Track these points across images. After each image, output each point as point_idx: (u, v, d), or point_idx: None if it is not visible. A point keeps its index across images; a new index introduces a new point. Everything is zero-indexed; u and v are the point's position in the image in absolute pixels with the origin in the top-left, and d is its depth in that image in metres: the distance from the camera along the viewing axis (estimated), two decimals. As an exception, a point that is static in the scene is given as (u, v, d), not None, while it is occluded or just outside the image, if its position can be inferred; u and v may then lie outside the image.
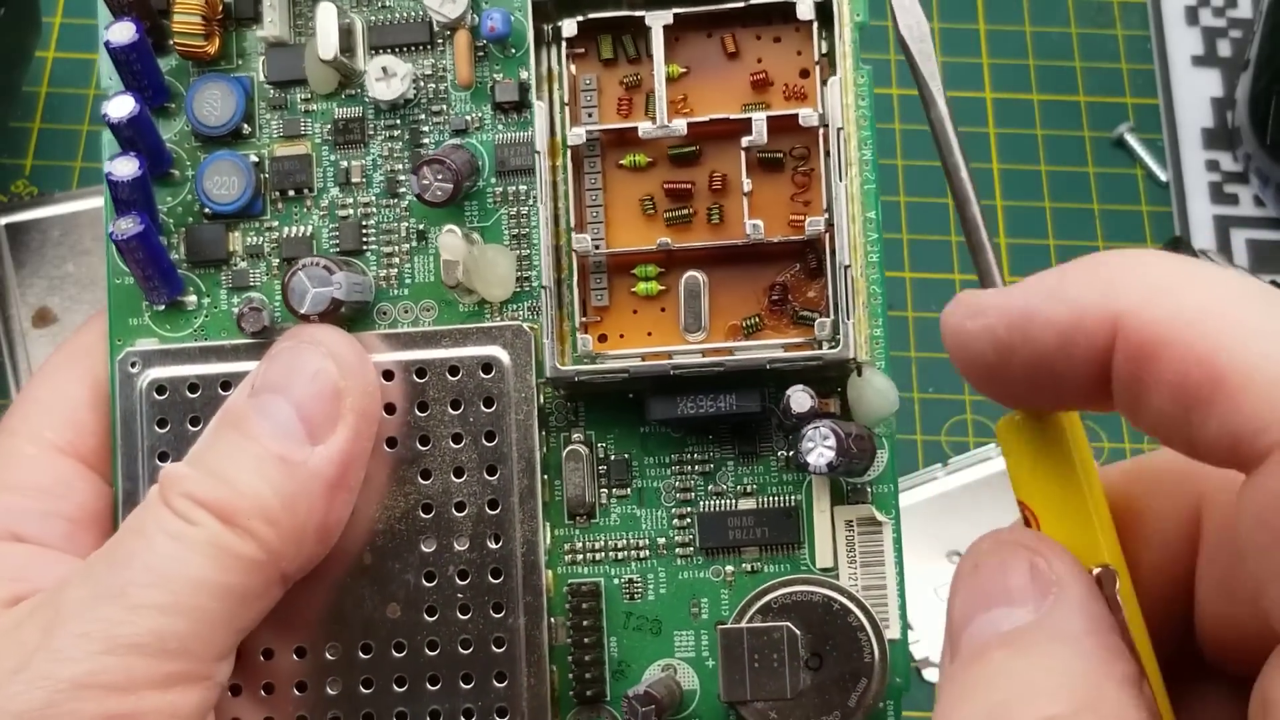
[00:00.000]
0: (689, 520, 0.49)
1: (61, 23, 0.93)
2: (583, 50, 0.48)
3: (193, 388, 0.49)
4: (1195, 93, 0.92)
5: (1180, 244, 0.85)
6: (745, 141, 0.47)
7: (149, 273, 0.49)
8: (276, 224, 0.50)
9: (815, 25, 0.47)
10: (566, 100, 0.48)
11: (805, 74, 0.48)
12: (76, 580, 0.44)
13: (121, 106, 0.48)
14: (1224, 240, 0.87)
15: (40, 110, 0.91)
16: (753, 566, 0.48)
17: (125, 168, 0.48)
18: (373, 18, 0.50)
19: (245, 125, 0.50)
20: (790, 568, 0.48)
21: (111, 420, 0.50)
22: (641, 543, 0.49)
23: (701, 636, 0.48)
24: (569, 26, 0.47)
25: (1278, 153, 0.84)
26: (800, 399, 0.46)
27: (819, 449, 0.46)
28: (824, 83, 0.47)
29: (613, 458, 0.49)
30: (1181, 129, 0.91)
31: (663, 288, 0.48)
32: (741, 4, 0.47)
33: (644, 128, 0.47)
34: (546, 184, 0.47)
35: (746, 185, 0.47)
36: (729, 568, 0.48)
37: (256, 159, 0.50)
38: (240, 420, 0.46)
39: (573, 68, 0.48)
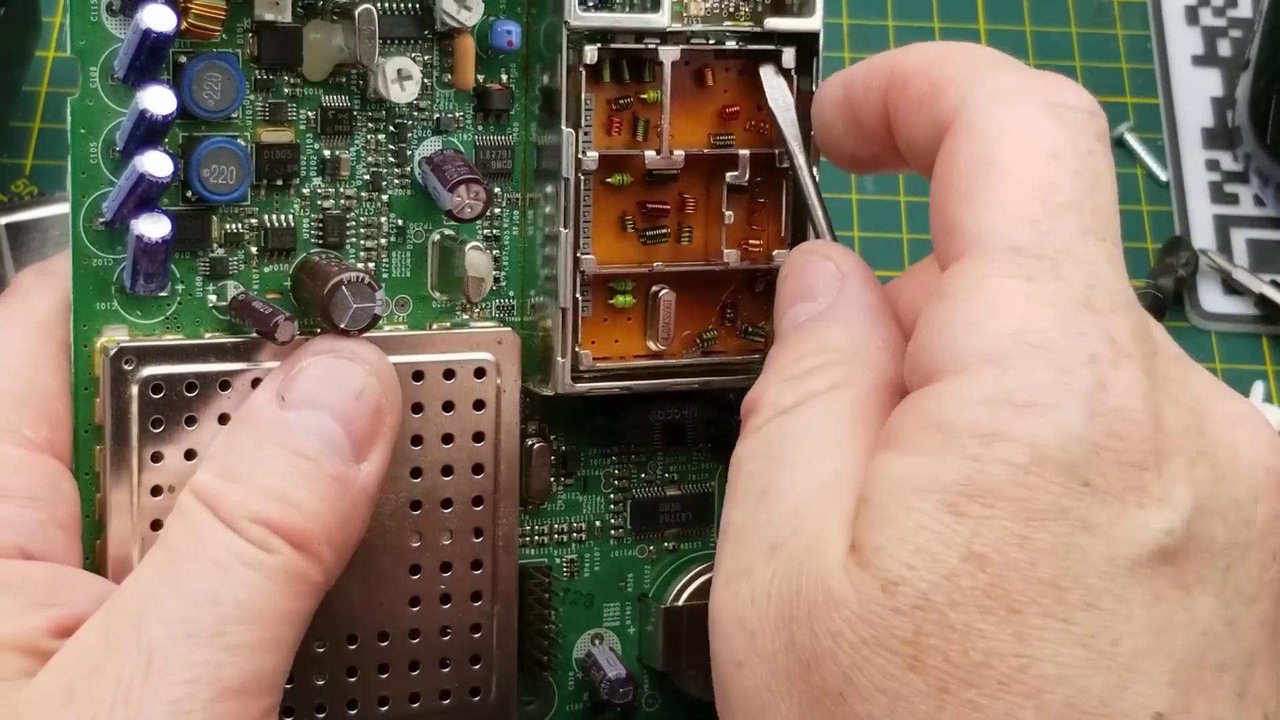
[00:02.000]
0: (622, 505, 0.59)
1: (61, 23, 0.79)
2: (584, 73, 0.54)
3: (190, 387, 0.51)
4: (1195, 93, 0.96)
5: (1180, 243, 0.89)
6: (730, 176, 0.55)
7: (158, 270, 0.50)
8: (257, 212, 0.53)
9: (794, 74, 0.56)
10: (584, 124, 0.54)
11: (760, 108, 0.57)
12: (151, 615, 0.46)
13: (165, 101, 0.48)
14: (1224, 240, 0.92)
15: (40, 110, 0.84)
16: (672, 545, 0.59)
17: (162, 168, 0.48)
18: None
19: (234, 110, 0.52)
20: (702, 544, 0.59)
21: (75, 411, 0.51)
22: (581, 526, 0.58)
23: (625, 607, 0.59)
24: (590, 53, 0.53)
25: (1278, 153, 0.88)
26: None
27: None
28: (807, 128, 0.56)
29: (564, 449, 0.58)
30: (1181, 129, 0.95)
31: (635, 300, 0.56)
32: (738, 47, 0.56)
33: (648, 156, 0.54)
34: (571, 208, 0.54)
35: (729, 217, 0.56)
36: (652, 547, 0.59)
37: (242, 143, 0.52)
38: (287, 435, 0.49)
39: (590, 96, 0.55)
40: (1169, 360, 0.45)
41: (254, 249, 0.53)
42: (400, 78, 0.53)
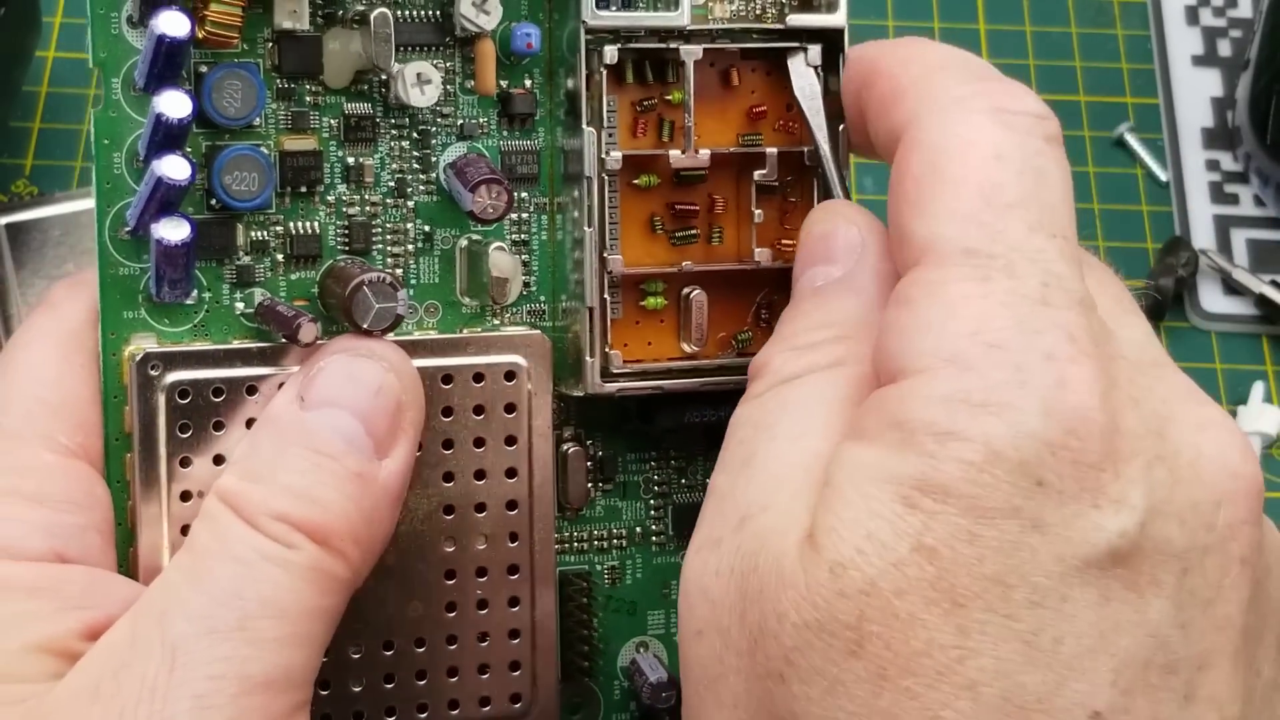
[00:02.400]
0: (664, 511, 0.58)
1: (61, 22, 0.88)
2: (606, 74, 0.54)
3: (217, 392, 0.51)
4: (1195, 93, 0.97)
5: (1180, 243, 0.90)
6: (758, 175, 0.55)
7: (180, 276, 0.51)
8: (282, 219, 0.53)
9: (820, 72, 0.56)
10: (606, 125, 0.54)
11: (789, 107, 0.56)
12: (175, 612, 0.46)
13: (181, 105, 0.49)
14: (1224, 240, 0.92)
15: (40, 110, 0.87)
16: (716, 551, 0.59)
17: (180, 171, 0.49)
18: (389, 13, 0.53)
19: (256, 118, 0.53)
20: (746, 551, 0.60)
21: (105, 420, 0.52)
22: (622, 532, 0.58)
23: (670, 615, 0.58)
24: (610, 54, 0.54)
25: (1278, 153, 0.89)
26: None
27: None
28: (835, 125, 0.55)
29: (601, 455, 0.57)
30: (1181, 129, 0.96)
31: (666, 302, 0.56)
32: (763, 45, 0.56)
33: (673, 155, 0.54)
34: (595, 208, 0.54)
35: (758, 216, 0.55)
36: (695, 553, 0.59)
37: (265, 150, 0.53)
38: (307, 434, 0.49)
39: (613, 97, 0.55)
40: (1135, 363, 0.46)
41: (280, 256, 0.54)
42: (420, 82, 0.53)
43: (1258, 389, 0.89)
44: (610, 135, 0.55)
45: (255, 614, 0.46)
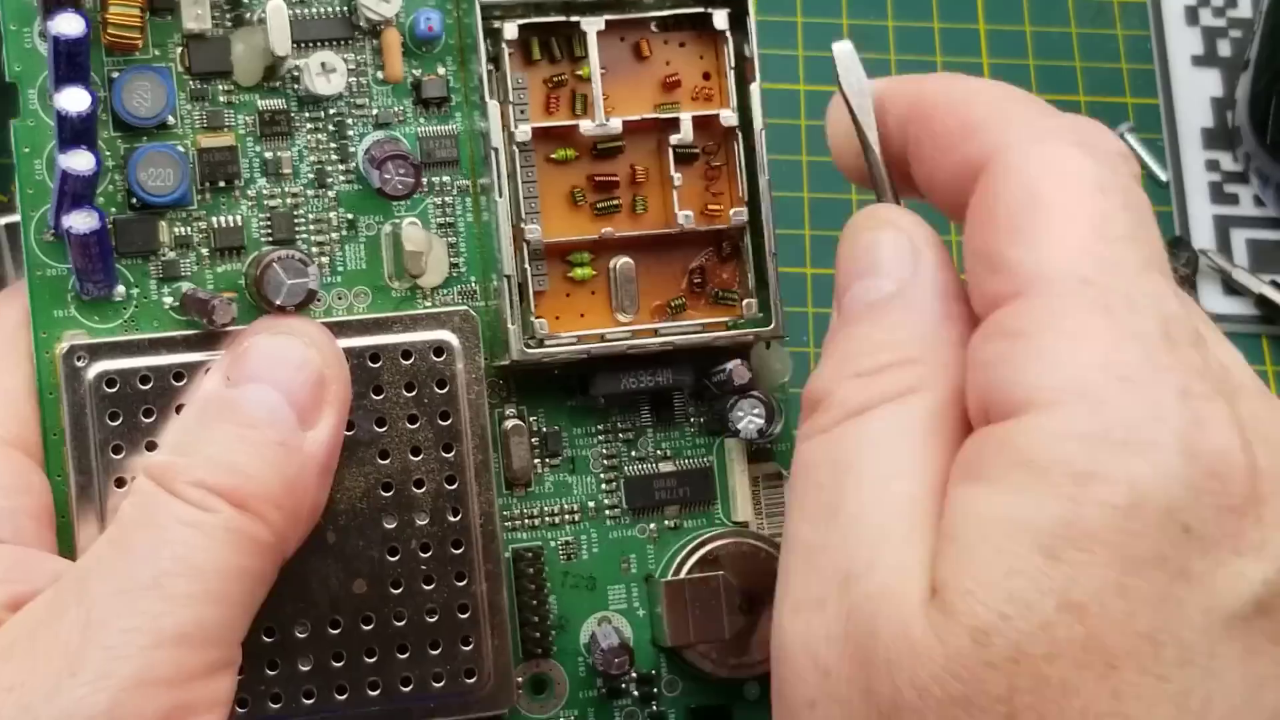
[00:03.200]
0: (615, 484, 0.58)
1: None
2: (513, 52, 0.56)
3: (144, 379, 0.53)
4: (1195, 93, 0.96)
5: (1180, 243, 0.89)
6: (674, 139, 0.56)
7: (95, 267, 0.53)
8: (204, 214, 0.55)
9: (730, 35, 0.57)
10: (511, 99, 0.56)
11: (707, 76, 0.57)
12: (95, 576, 0.48)
13: (78, 100, 0.51)
14: (1224, 240, 0.92)
15: None
16: (674, 523, 0.58)
17: (83, 163, 0.51)
18: (293, 11, 0.55)
19: (170, 117, 0.55)
20: (707, 521, 0.58)
21: (42, 416, 0.53)
22: (574, 507, 0.58)
23: (632, 589, 0.58)
24: (510, 30, 0.55)
25: (1278, 153, 0.88)
26: (741, 372, 0.56)
27: (748, 418, 0.57)
28: (744, 88, 0.56)
29: (544, 430, 0.58)
30: (1181, 129, 0.95)
31: (594, 272, 0.57)
32: (665, 14, 0.57)
33: (584, 125, 0.55)
34: (504, 178, 0.55)
35: (677, 179, 0.56)
36: (652, 525, 0.58)
37: (182, 149, 0.54)
38: (231, 409, 0.51)
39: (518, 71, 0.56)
40: (1250, 394, 0.43)
41: (204, 250, 0.55)
42: (325, 70, 0.55)
43: None
44: (522, 112, 0.56)
45: (169, 571, 0.48)
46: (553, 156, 0.56)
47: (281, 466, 0.50)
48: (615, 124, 0.56)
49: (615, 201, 0.56)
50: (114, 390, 0.53)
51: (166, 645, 0.47)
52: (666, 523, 0.59)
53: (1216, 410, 0.40)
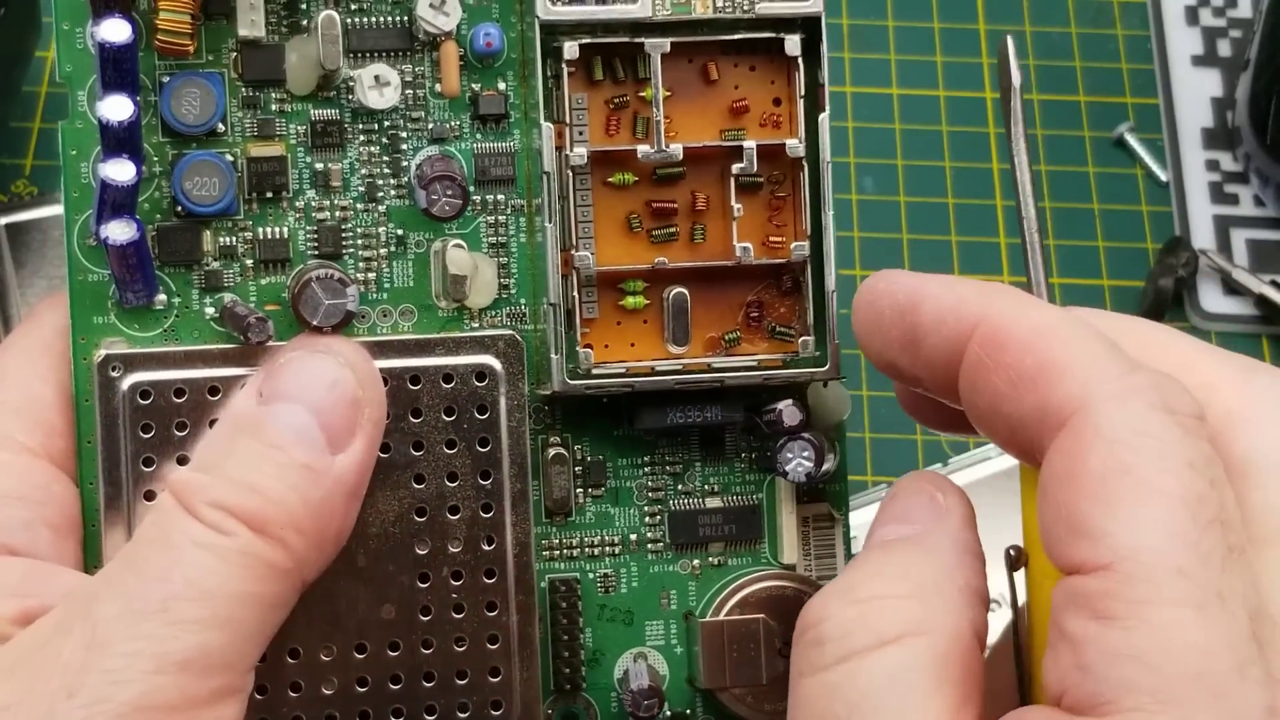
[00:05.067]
0: (659, 518, 0.56)
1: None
2: (573, 71, 0.54)
3: (179, 392, 0.52)
4: (1195, 93, 0.98)
5: (1180, 243, 0.90)
6: (736, 169, 0.54)
7: (134, 276, 0.52)
8: (251, 225, 0.54)
9: (801, 62, 0.54)
10: (567, 120, 0.54)
11: (778, 102, 0.55)
12: (104, 595, 0.47)
13: (121, 109, 0.50)
14: (1224, 240, 0.93)
15: (40, 110, 0.91)
16: (718, 560, 0.56)
17: (123, 172, 0.51)
18: (350, 20, 0.54)
19: (219, 124, 0.54)
20: (752, 560, 0.56)
21: (77, 422, 0.53)
22: (615, 539, 0.56)
23: (670, 626, 0.56)
24: (571, 49, 0.53)
25: (1278, 153, 0.89)
26: (792, 413, 0.54)
27: (797, 460, 0.54)
28: (814, 116, 0.54)
29: (588, 459, 0.56)
30: (1181, 129, 0.97)
31: (648, 301, 0.55)
32: (735, 37, 0.55)
33: (642, 150, 0.53)
34: (555, 204, 0.53)
35: (737, 210, 0.54)
36: (695, 561, 0.56)
37: (231, 158, 0.53)
38: (259, 428, 0.50)
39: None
40: None
41: (249, 261, 0.54)
42: (379, 84, 0.53)
43: None
44: (581, 134, 0.54)
45: (179, 595, 0.47)
46: (610, 180, 0.54)
47: (305, 490, 0.49)
48: (676, 150, 0.54)
49: (672, 229, 0.54)
50: (147, 402, 0.52)
51: (170, 671, 0.46)
52: (710, 560, 0.57)
53: None
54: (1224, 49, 1.00)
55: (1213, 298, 0.91)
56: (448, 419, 0.53)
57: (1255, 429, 0.46)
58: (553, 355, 0.53)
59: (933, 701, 0.43)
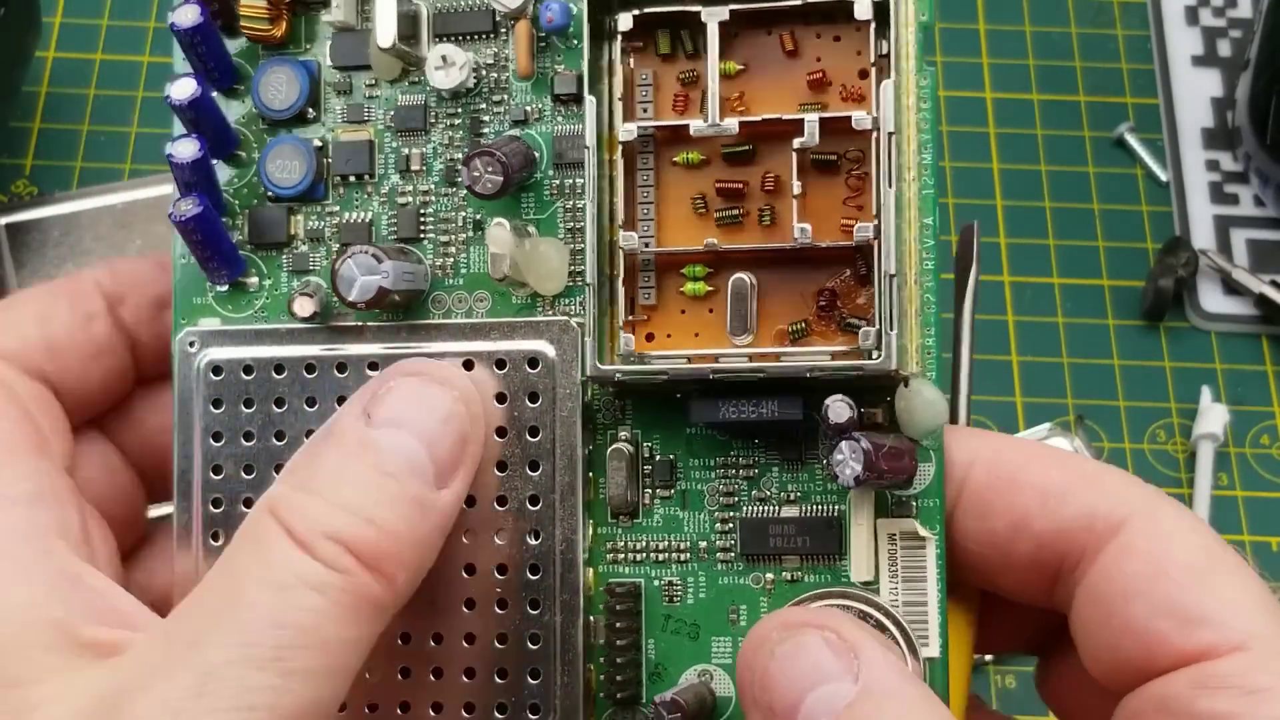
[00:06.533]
0: (731, 525, 0.52)
1: (61, 23, 0.97)
2: (640, 45, 0.51)
3: (248, 370, 0.53)
4: (1195, 93, 0.96)
5: (1180, 243, 0.89)
6: (797, 143, 0.49)
7: (207, 254, 0.53)
8: (337, 209, 0.54)
9: (873, 25, 0.49)
10: (620, 95, 0.51)
11: (864, 74, 0.50)
12: (213, 639, 0.44)
13: (184, 89, 0.52)
14: (1224, 240, 0.91)
15: (40, 110, 0.95)
16: (793, 575, 0.51)
17: (186, 150, 0.52)
18: (438, 4, 0.53)
19: (310, 109, 0.54)
20: (831, 578, 0.51)
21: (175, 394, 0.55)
22: (683, 545, 0.52)
23: (739, 644, 0.51)
24: (625, 21, 0.50)
25: (1278, 153, 0.88)
26: (839, 409, 0.48)
27: (847, 462, 0.48)
28: (879, 84, 0.49)
29: (658, 458, 0.52)
30: (1181, 129, 0.95)
31: (711, 288, 0.51)
32: (799, 2, 0.50)
33: (695, 125, 0.50)
34: (594, 180, 0.50)
35: (796, 187, 0.49)
36: (769, 575, 0.51)
37: (320, 143, 0.54)
38: (371, 452, 0.47)
39: (631, 62, 0.51)
40: None
41: (335, 245, 0.54)
42: (445, 64, 0.53)
43: (1206, 392, 0.89)
44: (646, 110, 0.51)
45: (293, 643, 0.45)
46: (675, 160, 0.51)
47: (415, 525, 0.48)
48: (730, 124, 0.50)
49: (737, 212, 0.50)
50: (219, 378, 0.53)
51: None
52: (785, 574, 0.51)
53: None
54: (1224, 49, 0.98)
55: (1213, 298, 0.91)
56: (499, 406, 0.51)
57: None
58: (586, 339, 0.50)
59: None
